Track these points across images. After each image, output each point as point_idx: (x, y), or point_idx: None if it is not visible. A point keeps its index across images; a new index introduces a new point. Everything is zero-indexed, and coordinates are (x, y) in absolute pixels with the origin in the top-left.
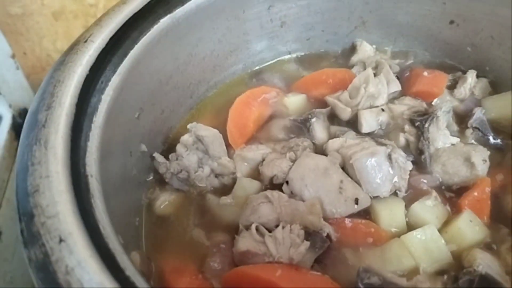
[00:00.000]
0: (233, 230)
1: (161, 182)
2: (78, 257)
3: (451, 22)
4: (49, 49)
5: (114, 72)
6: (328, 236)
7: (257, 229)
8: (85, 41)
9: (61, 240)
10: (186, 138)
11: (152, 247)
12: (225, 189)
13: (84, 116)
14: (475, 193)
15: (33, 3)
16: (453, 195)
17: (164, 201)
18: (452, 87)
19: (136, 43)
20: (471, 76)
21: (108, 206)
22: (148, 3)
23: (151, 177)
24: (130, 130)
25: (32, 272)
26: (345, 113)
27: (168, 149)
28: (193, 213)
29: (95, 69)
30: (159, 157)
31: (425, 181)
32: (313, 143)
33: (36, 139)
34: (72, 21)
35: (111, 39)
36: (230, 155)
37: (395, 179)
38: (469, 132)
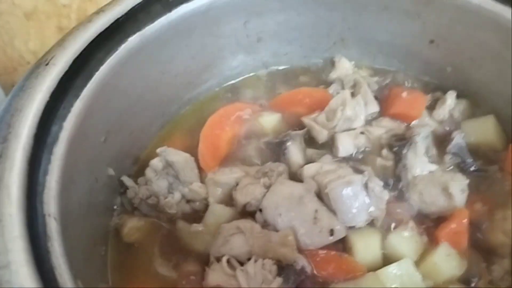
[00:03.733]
0: (204, 260)
1: (130, 206)
2: None
3: (431, 41)
4: (21, 49)
5: (77, 96)
6: (302, 268)
7: (228, 261)
8: (47, 64)
9: None
10: (155, 162)
11: (118, 277)
12: (197, 216)
13: (43, 147)
14: (453, 225)
15: (3, 3)
16: (431, 224)
17: (132, 227)
18: (431, 107)
19: (102, 64)
20: (450, 97)
21: (69, 242)
22: (115, 21)
23: (119, 202)
24: (96, 155)
25: None
26: (322, 136)
27: (139, 170)
28: (162, 241)
29: (56, 94)
30: (128, 181)
31: (401, 209)
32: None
33: None
34: (45, 21)
35: (74, 61)
36: (202, 178)
37: (371, 208)
38: (447, 157)
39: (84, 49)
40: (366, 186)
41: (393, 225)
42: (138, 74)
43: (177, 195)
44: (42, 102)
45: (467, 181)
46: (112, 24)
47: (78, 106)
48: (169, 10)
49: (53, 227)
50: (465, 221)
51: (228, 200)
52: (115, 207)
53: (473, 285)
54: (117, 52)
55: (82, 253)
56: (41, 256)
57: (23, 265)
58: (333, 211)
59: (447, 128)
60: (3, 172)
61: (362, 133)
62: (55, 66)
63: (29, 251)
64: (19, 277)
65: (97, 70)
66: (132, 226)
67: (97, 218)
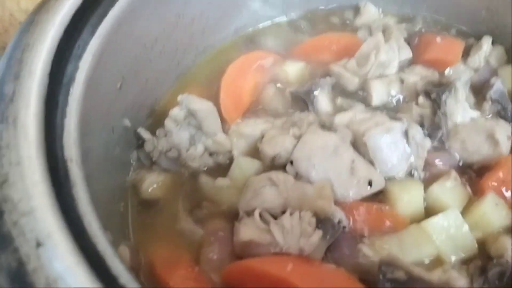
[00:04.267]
0: (232, 216)
1: (147, 161)
2: (61, 265)
3: None
4: (13, 9)
5: (93, 34)
6: (339, 222)
7: (260, 215)
8: None
9: (38, 244)
10: (176, 112)
11: (140, 236)
12: (221, 169)
13: (59, 87)
14: (500, 174)
15: None
16: (474, 174)
17: (152, 183)
18: (464, 55)
19: (117, 1)
20: (486, 43)
21: (91, 194)
22: None
23: (136, 156)
24: (112, 103)
25: (3, 284)
26: (353, 84)
27: (154, 123)
28: (185, 197)
29: (70, 31)
30: (144, 133)
31: (442, 159)
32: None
33: (2, 116)
34: None
35: None
36: (224, 131)
37: (412, 158)
38: (487, 105)
39: None
40: (406, 133)
41: (433, 176)
42: (153, 16)
43: (200, 147)
44: (56, 38)
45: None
46: None
47: (93, 45)
48: None
49: (76, 173)
50: None
51: (254, 152)
52: (132, 161)
53: None
54: None
55: (103, 208)
56: (67, 203)
57: (49, 212)
58: (370, 161)
59: (483, 76)
60: (18, 112)
61: (401, 80)
62: (67, 0)
63: (54, 196)
64: (46, 226)
65: (111, 6)
66: (152, 181)
67: (114, 172)
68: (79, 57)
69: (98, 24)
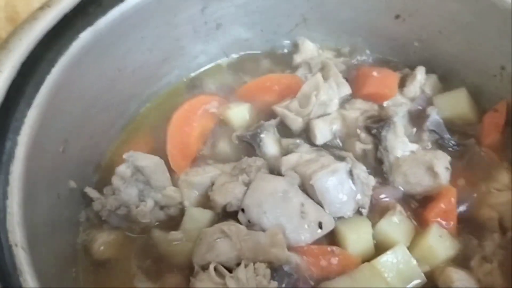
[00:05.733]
0: (187, 269)
1: (97, 220)
2: None
3: (397, 16)
4: None
5: (30, 105)
6: (294, 268)
7: (215, 269)
8: None
9: None
10: (123, 169)
11: None
12: (173, 222)
13: None
14: (441, 205)
15: None
16: (417, 205)
17: (103, 243)
18: (400, 85)
19: (54, 66)
20: (420, 72)
21: (39, 271)
22: (64, 16)
23: (85, 215)
24: (55, 169)
25: None
26: (297, 124)
27: (101, 179)
28: (138, 254)
29: (6, 105)
30: (92, 192)
31: (387, 193)
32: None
33: None
34: None
35: (22, 64)
36: (174, 181)
37: (358, 196)
38: (425, 135)
39: (32, 50)
40: (350, 173)
41: (379, 209)
42: (92, 73)
43: (149, 203)
44: None
45: (449, 158)
46: (60, 20)
47: (31, 116)
48: (122, 0)
49: (22, 258)
50: (453, 199)
51: (205, 201)
52: (81, 221)
53: (466, 263)
54: (68, 50)
55: (54, 279)
56: None
57: None
58: (319, 203)
59: (419, 105)
60: None
61: (343, 117)
62: (2, 72)
63: None
64: None
65: (48, 72)
66: (103, 241)
67: (63, 237)
68: (17, 131)
69: (35, 93)
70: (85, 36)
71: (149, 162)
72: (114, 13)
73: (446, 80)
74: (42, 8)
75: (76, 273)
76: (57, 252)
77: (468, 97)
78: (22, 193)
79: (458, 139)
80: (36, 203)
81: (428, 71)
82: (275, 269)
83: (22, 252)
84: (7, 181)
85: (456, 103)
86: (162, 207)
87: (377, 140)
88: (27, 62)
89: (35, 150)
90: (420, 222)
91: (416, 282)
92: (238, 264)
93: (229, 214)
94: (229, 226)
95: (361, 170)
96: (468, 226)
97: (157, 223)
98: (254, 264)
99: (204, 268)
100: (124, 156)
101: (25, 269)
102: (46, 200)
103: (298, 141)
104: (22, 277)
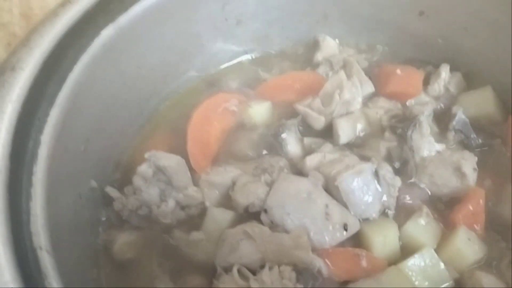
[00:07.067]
0: (209, 271)
1: (117, 220)
2: None
3: (421, 13)
4: None
5: (52, 104)
6: (319, 271)
7: (238, 271)
8: (13, 69)
9: None
10: (144, 169)
11: None
12: (194, 222)
13: (21, 168)
14: (469, 206)
15: None
16: (443, 207)
17: (124, 243)
18: (424, 83)
19: (76, 63)
20: (445, 70)
21: (63, 275)
22: (86, 12)
23: (105, 214)
24: (77, 168)
25: None
26: (319, 123)
27: (121, 178)
28: (159, 255)
29: (28, 104)
30: (112, 192)
31: (413, 195)
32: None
33: None
34: None
35: (44, 62)
36: (194, 181)
37: (384, 197)
38: (451, 135)
39: (54, 48)
40: (376, 174)
41: (405, 211)
42: (113, 70)
43: (171, 203)
44: (14, 115)
45: (476, 158)
46: (82, 16)
47: (54, 115)
48: None
49: (47, 261)
50: (481, 201)
51: (227, 202)
52: (101, 220)
53: (495, 266)
54: (90, 47)
55: (76, 282)
56: None
57: None
58: (344, 204)
59: (444, 104)
60: None
61: (366, 116)
62: (23, 70)
63: None
64: None
65: (70, 70)
66: (123, 241)
67: (84, 238)
68: (40, 130)
69: (57, 92)
70: (106, 33)
71: (171, 161)
72: (136, 9)
73: (471, 78)
74: (63, 4)
75: (98, 274)
76: (79, 253)
77: (494, 96)
78: (46, 194)
79: (484, 139)
80: (59, 204)
81: (452, 69)
82: (300, 272)
83: (47, 255)
84: (30, 182)
85: (482, 102)
86: (183, 207)
87: (403, 140)
88: (48, 60)
89: (57, 149)
90: (447, 224)
91: (444, 285)
92: (262, 267)
93: (251, 215)
94: (253, 227)
95: (386, 171)
96: (495, 228)
97: (177, 223)
98: (279, 267)
99: (227, 270)
100: (146, 155)
101: (50, 273)
102: (68, 201)
103: (320, 140)
104: (47, 280)
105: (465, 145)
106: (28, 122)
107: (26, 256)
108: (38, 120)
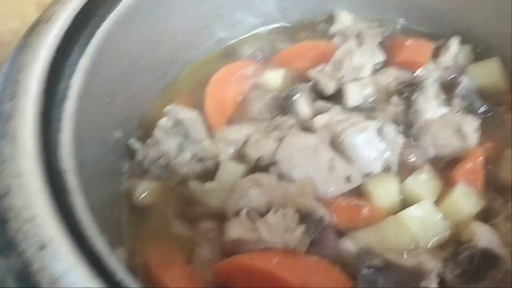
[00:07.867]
0: (220, 217)
1: (139, 169)
2: (64, 264)
3: None
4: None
5: (82, 53)
6: (321, 217)
7: (247, 214)
8: (47, 21)
9: (42, 247)
10: (164, 122)
11: (135, 240)
12: (208, 174)
13: (53, 104)
14: (468, 165)
15: None
16: (445, 166)
17: (144, 190)
18: (434, 55)
19: (104, 21)
20: (454, 43)
21: (87, 202)
22: None
23: (128, 166)
24: (104, 116)
25: (11, 284)
26: (329, 87)
27: (145, 134)
28: (175, 202)
29: (61, 51)
30: (135, 144)
31: (415, 154)
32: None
33: (2, 133)
34: None
35: (75, 17)
36: (211, 137)
37: (387, 154)
38: (456, 101)
39: (84, 5)
40: (380, 131)
41: (407, 169)
42: (139, 32)
43: (188, 154)
44: (48, 59)
45: (478, 121)
46: None
47: (83, 64)
48: None
49: (73, 182)
50: (480, 159)
51: (240, 157)
52: (124, 171)
53: (491, 220)
54: (117, 8)
55: (98, 214)
56: (65, 209)
57: (50, 217)
58: (348, 159)
59: (453, 74)
60: (16, 128)
61: (375, 82)
62: (56, 23)
63: (54, 205)
64: (48, 230)
65: (99, 26)
66: (144, 188)
67: (107, 181)
68: (71, 75)
69: (87, 44)
70: None
71: (189, 114)
72: None
73: (480, 51)
74: None
75: (118, 215)
76: (101, 192)
77: (501, 66)
78: (73, 130)
79: (488, 106)
80: (85, 143)
81: (462, 42)
82: (304, 216)
83: (73, 178)
84: (60, 117)
85: (489, 72)
86: (199, 160)
87: (408, 103)
88: (79, 16)
89: (86, 94)
90: (447, 182)
91: (441, 235)
92: (268, 211)
93: (261, 168)
94: (262, 176)
95: (390, 129)
96: (494, 187)
97: (194, 174)
98: (283, 210)
99: (237, 214)
100: (166, 109)
101: (74, 191)
102: (94, 143)
103: (330, 104)
104: (72, 197)
105: (470, 111)
106: (61, 67)
107: (54, 176)
108: (70, 66)
